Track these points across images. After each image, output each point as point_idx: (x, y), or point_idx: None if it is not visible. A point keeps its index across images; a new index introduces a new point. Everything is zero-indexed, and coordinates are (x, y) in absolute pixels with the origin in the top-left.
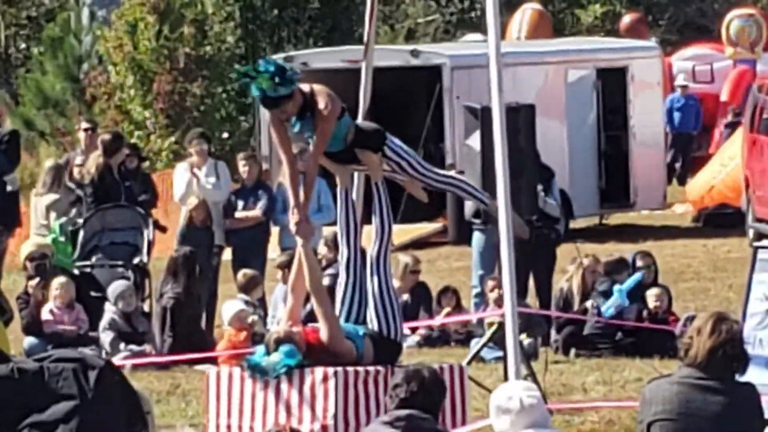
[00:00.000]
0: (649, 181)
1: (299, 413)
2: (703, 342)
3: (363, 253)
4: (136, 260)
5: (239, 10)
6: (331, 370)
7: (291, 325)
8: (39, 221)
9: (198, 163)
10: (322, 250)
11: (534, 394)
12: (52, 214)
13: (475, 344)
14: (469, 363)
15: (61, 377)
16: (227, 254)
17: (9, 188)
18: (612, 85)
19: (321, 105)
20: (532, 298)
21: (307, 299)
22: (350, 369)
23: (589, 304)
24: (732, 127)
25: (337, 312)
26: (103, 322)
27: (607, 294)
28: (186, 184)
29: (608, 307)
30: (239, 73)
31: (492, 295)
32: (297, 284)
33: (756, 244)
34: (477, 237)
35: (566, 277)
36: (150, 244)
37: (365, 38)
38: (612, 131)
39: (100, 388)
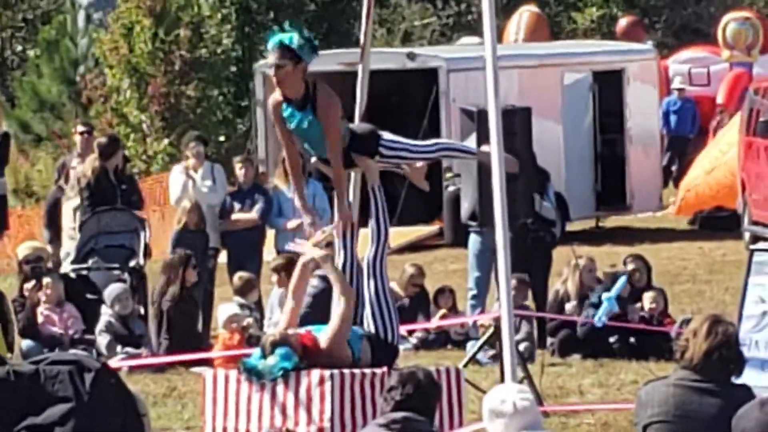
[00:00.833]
0: (645, 183)
1: (295, 416)
2: (698, 344)
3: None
4: (132, 263)
5: (235, 13)
6: (327, 372)
7: (287, 329)
8: (68, 224)
9: (194, 166)
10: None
11: (527, 396)
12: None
13: (472, 347)
14: (465, 365)
15: (57, 380)
16: (223, 257)
17: None
18: (608, 87)
19: (323, 98)
20: (527, 301)
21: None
22: (347, 371)
23: (580, 320)
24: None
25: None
26: (100, 326)
27: (597, 306)
28: (182, 186)
29: (599, 318)
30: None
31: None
32: (297, 288)
33: (752, 246)
34: (473, 239)
35: (561, 279)
36: (146, 247)
37: (362, 41)
38: (608, 134)
39: (95, 390)
